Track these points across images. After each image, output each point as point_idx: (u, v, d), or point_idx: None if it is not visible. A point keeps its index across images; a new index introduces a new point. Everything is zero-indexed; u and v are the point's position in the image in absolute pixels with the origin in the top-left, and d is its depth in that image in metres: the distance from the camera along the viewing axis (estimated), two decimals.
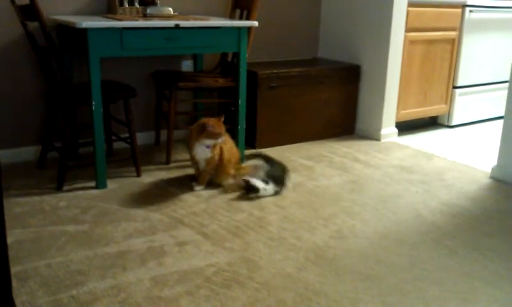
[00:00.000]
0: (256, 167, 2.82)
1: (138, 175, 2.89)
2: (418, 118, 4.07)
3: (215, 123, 2.62)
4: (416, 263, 2.08)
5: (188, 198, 2.63)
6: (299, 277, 1.95)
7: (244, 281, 1.91)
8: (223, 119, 2.68)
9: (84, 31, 2.50)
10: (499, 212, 2.62)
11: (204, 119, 2.64)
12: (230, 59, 3.43)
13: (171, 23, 2.70)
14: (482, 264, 2.10)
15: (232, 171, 2.81)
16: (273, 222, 2.40)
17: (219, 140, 2.63)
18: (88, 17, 2.85)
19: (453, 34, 3.98)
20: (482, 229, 2.41)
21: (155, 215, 2.43)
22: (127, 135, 2.93)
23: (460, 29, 4.01)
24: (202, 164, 2.71)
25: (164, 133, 3.40)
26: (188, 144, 2.75)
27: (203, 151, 2.66)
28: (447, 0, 3.90)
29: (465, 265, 2.08)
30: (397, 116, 3.85)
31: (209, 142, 2.63)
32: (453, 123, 4.23)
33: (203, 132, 2.62)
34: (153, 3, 3.10)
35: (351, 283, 1.92)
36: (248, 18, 3.15)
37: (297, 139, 3.65)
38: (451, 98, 4.17)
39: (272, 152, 3.40)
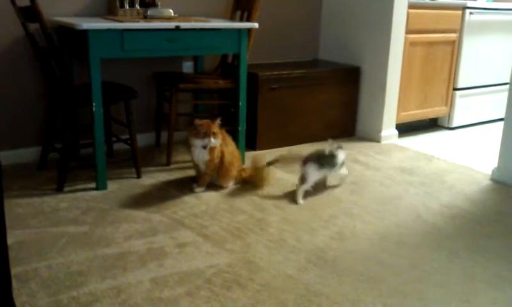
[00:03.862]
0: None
1: (138, 176, 2.88)
2: (418, 119, 4.07)
3: (205, 124, 2.62)
4: (416, 265, 2.08)
5: (188, 200, 2.63)
6: (299, 278, 1.95)
7: (244, 282, 1.91)
8: (218, 121, 2.67)
9: (85, 32, 2.50)
10: (500, 214, 2.61)
11: (197, 120, 2.65)
12: (230, 60, 3.43)
13: (171, 24, 2.71)
14: (483, 266, 2.10)
15: (235, 174, 2.81)
16: (274, 223, 2.40)
17: (212, 140, 2.61)
18: (88, 19, 2.85)
19: (453, 36, 3.98)
20: (483, 231, 2.41)
21: (155, 216, 2.42)
22: (127, 136, 2.93)
23: (460, 31, 4.01)
24: (202, 166, 2.71)
25: (164, 135, 3.40)
26: (187, 145, 2.75)
27: (199, 152, 2.66)
28: (447, 2, 3.91)
29: (466, 267, 2.08)
30: (397, 117, 3.85)
31: (199, 141, 2.62)
32: (453, 125, 4.23)
33: (192, 131, 2.64)
34: (154, 5, 3.11)
35: (352, 284, 1.92)
36: (248, 20, 3.15)
37: (298, 140, 3.64)
38: (451, 99, 4.17)
39: (273, 154, 3.40)
